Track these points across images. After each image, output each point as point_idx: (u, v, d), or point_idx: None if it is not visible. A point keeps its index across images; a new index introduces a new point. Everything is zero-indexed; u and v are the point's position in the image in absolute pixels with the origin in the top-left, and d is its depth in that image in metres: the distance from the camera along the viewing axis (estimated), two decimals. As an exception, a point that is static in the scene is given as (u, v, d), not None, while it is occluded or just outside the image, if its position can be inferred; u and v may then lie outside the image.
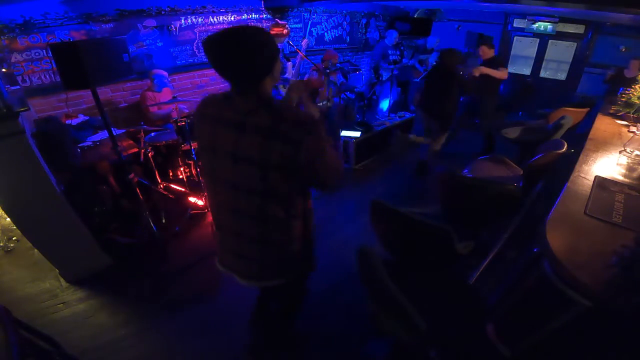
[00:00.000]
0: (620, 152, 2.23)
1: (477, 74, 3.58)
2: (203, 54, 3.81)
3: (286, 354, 1.87)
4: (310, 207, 1.25)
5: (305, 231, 1.24)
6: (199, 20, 4.06)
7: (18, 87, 2.67)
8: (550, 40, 5.82)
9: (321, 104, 3.98)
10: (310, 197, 1.23)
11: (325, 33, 5.64)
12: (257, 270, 1.24)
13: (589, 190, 1.73)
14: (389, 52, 5.16)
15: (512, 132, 3.50)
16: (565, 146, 2.29)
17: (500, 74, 3.68)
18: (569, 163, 2.10)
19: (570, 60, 5.71)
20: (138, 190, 2.52)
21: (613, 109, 3.14)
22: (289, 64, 3.78)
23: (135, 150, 3.05)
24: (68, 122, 3.05)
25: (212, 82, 4.47)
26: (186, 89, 4.26)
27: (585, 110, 3.83)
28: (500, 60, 3.95)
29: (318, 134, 1.00)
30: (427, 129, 3.92)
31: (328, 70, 3.93)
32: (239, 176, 1.07)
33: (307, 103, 1.27)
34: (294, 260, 1.26)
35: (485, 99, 3.96)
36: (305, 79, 4.40)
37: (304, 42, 4.53)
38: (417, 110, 4.04)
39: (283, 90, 3.64)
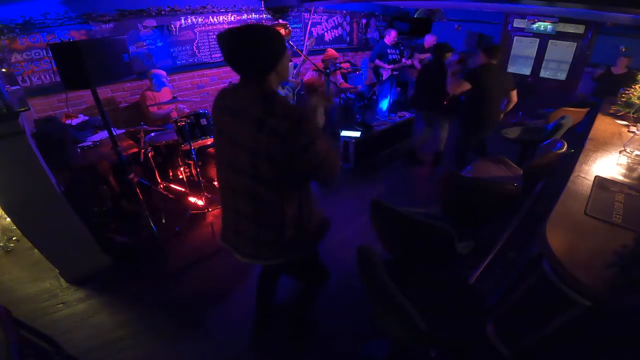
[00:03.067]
0: (620, 152, 2.23)
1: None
2: (203, 54, 3.79)
3: (295, 340, 1.92)
4: (309, 197, 1.31)
5: (300, 218, 1.27)
6: (199, 20, 4.06)
7: (18, 87, 2.67)
8: (550, 40, 5.82)
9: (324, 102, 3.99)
10: (309, 188, 1.30)
11: (325, 33, 5.64)
12: (254, 249, 1.31)
13: (589, 190, 1.73)
14: (388, 51, 5.15)
15: (512, 132, 3.49)
16: (565, 146, 2.29)
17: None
18: (569, 163, 2.10)
19: (570, 60, 5.71)
20: (138, 190, 2.52)
21: (613, 109, 3.14)
22: (290, 64, 3.79)
23: (135, 150, 3.05)
24: (68, 122, 3.05)
25: (212, 82, 4.47)
26: (186, 89, 4.26)
27: (585, 110, 3.83)
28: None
29: (305, 128, 1.06)
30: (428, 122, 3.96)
31: (328, 71, 3.92)
32: (235, 158, 1.18)
33: (317, 111, 1.31)
34: (288, 244, 1.30)
35: None
36: (305, 78, 4.39)
37: (310, 42, 4.47)
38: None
39: (281, 90, 3.63)
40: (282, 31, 3.69)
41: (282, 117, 1.05)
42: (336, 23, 5.74)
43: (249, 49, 1.05)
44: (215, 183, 3.22)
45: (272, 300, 1.88)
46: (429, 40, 5.47)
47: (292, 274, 1.68)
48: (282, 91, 3.61)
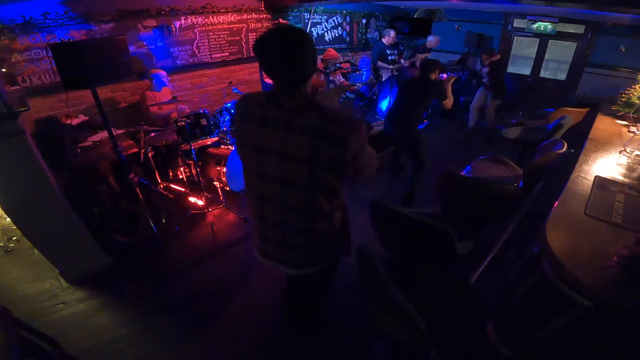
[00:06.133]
0: (620, 152, 2.23)
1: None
2: (203, 54, 3.76)
3: (312, 337, 1.94)
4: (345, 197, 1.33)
5: (344, 219, 1.32)
6: (199, 20, 4.06)
7: (18, 87, 2.67)
8: (550, 40, 5.82)
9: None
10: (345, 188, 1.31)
11: (325, 33, 5.64)
12: (303, 259, 1.30)
13: (589, 190, 1.73)
14: (387, 51, 5.15)
15: (512, 132, 3.50)
16: (565, 146, 2.29)
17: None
18: (569, 163, 2.10)
19: (570, 60, 5.71)
20: (138, 190, 2.52)
21: (613, 108, 3.14)
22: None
23: (135, 150, 3.05)
24: (68, 122, 3.05)
25: (212, 82, 4.47)
26: (186, 89, 4.26)
27: (585, 110, 3.82)
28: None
29: (361, 131, 1.05)
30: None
31: (328, 70, 3.92)
32: (287, 173, 1.11)
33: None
34: (335, 246, 1.34)
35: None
36: None
37: None
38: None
39: None
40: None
41: (338, 122, 1.03)
42: (336, 23, 5.74)
43: (298, 57, 0.98)
44: (216, 183, 3.22)
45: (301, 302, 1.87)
46: (432, 40, 5.49)
47: (321, 281, 1.60)
48: None
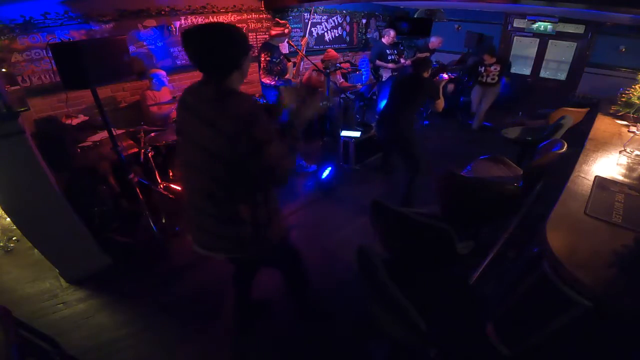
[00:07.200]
0: (620, 152, 2.23)
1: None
2: (203, 54, 3.65)
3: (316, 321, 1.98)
4: (268, 198, 1.29)
5: (255, 216, 1.26)
6: (199, 20, 4.06)
7: (18, 87, 2.66)
8: (550, 40, 5.82)
9: (321, 104, 3.96)
10: (268, 188, 1.29)
11: (325, 33, 5.64)
12: (212, 242, 1.33)
13: (589, 190, 1.73)
14: (387, 51, 5.15)
15: (512, 132, 3.50)
16: (565, 146, 2.29)
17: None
18: (569, 163, 2.10)
19: (570, 60, 5.71)
20: (138, 190, 2.52)
21: (613, 108, 3.14)
22: (289, 64, 3.78)
23: (135, 150, 3.05)
24: (68, 122, 3.04)
25: (212, 82, 4.47)
26: (186, 89, 4.26)
27: (585, 110, 3.83)
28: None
29: (252, 133, 1.05)
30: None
31: (328, 71, 3.91)
32: (195, 158, 1.19)
33: (303, 108, 1.32)
34: (246, 240, 1.29)
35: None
36: (304, 78, 4.39)
37: (304, 41, 4.52)
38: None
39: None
40: (284, 30, 3.66)
41: (232, 118, 1.04)
42: (336, 23, 5.74)
43: (211, 47, 1.05)
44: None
45: (250, 295, 1.92)
46: (434, 41, 5.49)
47: (272, 266, 1.73)
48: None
